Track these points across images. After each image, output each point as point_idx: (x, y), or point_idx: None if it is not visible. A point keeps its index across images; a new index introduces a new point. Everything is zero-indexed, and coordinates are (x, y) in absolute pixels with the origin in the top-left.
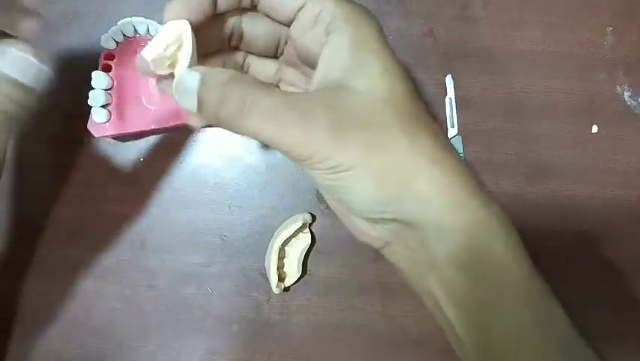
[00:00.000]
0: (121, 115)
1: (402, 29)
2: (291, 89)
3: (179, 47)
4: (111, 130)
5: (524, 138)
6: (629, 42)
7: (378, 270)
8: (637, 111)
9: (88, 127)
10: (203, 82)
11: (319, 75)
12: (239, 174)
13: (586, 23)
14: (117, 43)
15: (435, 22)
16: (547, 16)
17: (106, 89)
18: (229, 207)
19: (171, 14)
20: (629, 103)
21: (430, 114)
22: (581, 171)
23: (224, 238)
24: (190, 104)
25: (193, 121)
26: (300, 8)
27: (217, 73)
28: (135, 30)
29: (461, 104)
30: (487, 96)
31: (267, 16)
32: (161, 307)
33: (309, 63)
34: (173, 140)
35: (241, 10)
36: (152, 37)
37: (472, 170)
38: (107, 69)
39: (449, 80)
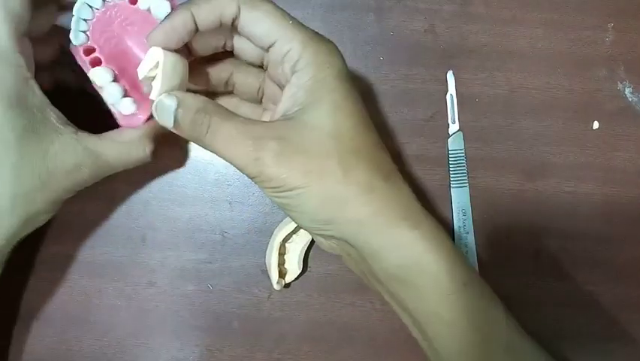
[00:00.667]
0: (141, 95)
1: (402, 26)
2: (271, 105)
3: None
4: (147, 112)
5: (525, 134)
6: (630, 39)
7: None
8: (638, 108)
9: (121, 124)
10: (179, 105)
11: (282, 108)
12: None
13: (587, 20)
14: (85, 32)
15: (436, 18)
16: (548, 12)
17: (114, 80)
18: (230, 204)
19: (152, 42)
20: (630, 99)
21: (382, 145)
22: (581, 168)
23: (225, 234)
24: (167, 122)
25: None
26: (272, 44)
27: (191, 100)
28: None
29: (462, 100)
30: (488, 93)
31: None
32: (162, 304)
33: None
34: (174, 136)
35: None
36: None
37: (472, 166)
38: (96, 63)
39: (450, 77)
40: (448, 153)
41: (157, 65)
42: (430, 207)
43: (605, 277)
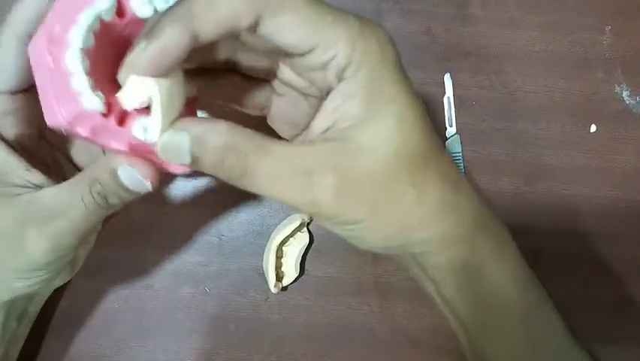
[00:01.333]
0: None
1: (400, 28)
2: (278, 120)
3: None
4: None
5: (522, 137)
6: (627, 41)
7: (375, 270)
8: (635, 110)
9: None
10: (197, 143)
11: (324, 123)
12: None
13: (584, 22)
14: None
15: (433, 20)
16: (546, 15)
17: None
18: (227, 206)
19: (137, 71)
20: (627, 102)
21: (442, 145)
22: (579, 171)
23: (222, 237)
24: (181, 161)
25: (180, 169)
26: (309, 51)
27: (212, 136)
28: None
29: (459, 103)
30: (486, 95)
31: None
32: (159, 307)
33: (307, 95)
34: None
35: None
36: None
37: (470, 169)
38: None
39: (448, 79)
40: None
41: (147, 100)
42: None
43: (603, 278)
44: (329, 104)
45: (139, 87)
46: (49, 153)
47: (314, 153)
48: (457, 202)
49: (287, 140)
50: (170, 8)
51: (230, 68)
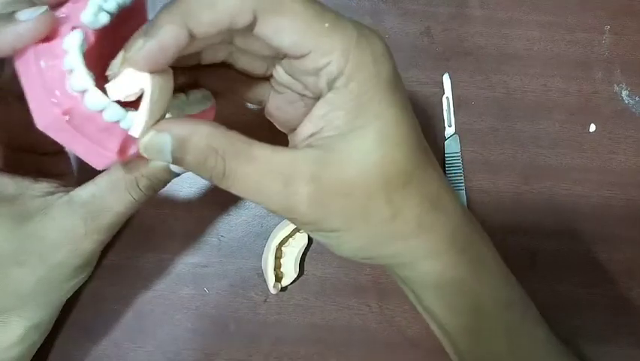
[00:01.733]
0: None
1: (398, 28)
2: (274, 116)
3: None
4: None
5: (521, 137)
6: (626, 41)
7: (374, 270)
8: (634, 110)
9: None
10: (178, 145)
11: (311, 128)
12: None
13: (583, 22)
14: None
15: (432, 21)
16: (545, 15)
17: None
18: (226, 207)
19: (133, 65)
20: (626, 102)
21: (430, 157)
22: (578, 170)
23: (221, 238)
24: (162, 160)
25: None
26: (303, 56)
27: (193, 136)
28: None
29: (458, 103)
30: (484, 95)
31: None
32: (158, 308)
33: (300, 94)
34: None
35: (230, 42)
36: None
37: (469, 169)
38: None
39: (446, 79)
40: (445, 156)
41: (138, 92)
42: None
43: (602, 279)
44: (317, 110)
45: (132, 80)
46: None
47: (294, 160)
48: (434, 221)
49: (269, 144)
50: (169, 5)
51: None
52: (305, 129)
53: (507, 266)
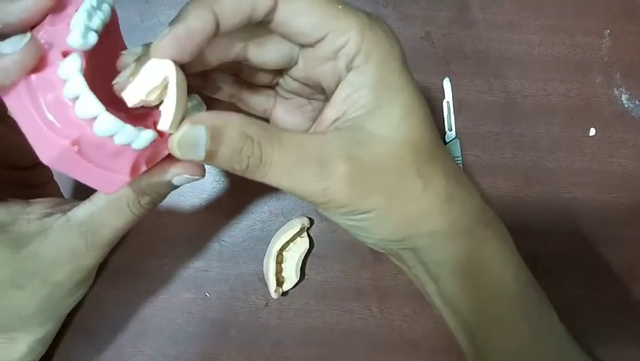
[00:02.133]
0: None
1: (399, 32)
2: (281, 123)
3: (164, 89)
4: (129, 166)
5: (522, 140)
6: (626, 45)
7: (375, 274)
8: (634, 114)
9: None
10: (214, 135)
11: (334, 113)
12: (237, 178)
13: (583, 26)
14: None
15: (432, 25)
16: (545, 19)
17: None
18: (227, 212)
19: (158, 53)
20: (626, 105)
21: (441, 142)
22: (578, 174)
23: (222, 242)
24: (196, 156)
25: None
26: (321, 39)
27: (228, 126)
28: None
29: (459, 107)
30: (485, 99)
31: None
32: (160, 312)
33: (316, 91)
34: None
35: (247, 36)
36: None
37: (470, 172)
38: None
39: (447, 83)
40: None
41: (163, 85)
42: None
43: (602, 281)
44: (339, 94)
45: (153, 73)
46: None
47: (326, 141)
48: (462, 195)
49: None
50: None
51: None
52: (328, 116)
53: None
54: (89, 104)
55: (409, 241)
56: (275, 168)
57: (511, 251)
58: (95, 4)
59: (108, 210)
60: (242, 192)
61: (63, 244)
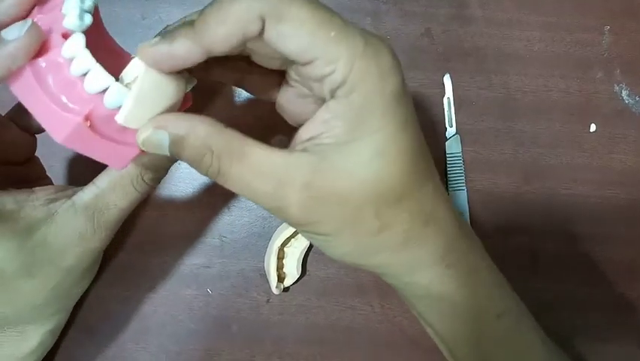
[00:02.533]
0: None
1: (399, 29)
2: (285, 110)
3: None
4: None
5: (522, 137)
6: (626, 41)
7: None
8: (635, 110)
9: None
10: (175, 142)
11: (312, 131)
12: None
13: (583, 22)
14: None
15: (432, 21)
16: (545, 15)
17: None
18: (228, 208)
19: (139, 55)
20: (627, 101)
21: (429, 173)
22: (578, 170)
23: (224, 239)
24: (161, 153)
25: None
26: (309, 62)
27: (190, 134)
28: None
29: (459, 103)
30: (485, 96)
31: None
32: (161, 309)
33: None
34: None
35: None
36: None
37: (470, 169)
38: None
39: (447, 80)
40: (446, 157)
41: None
42: None
43: (602, 278)
44: (319, 115)
45: (133, 68)
46: None
47: (289, 163)
48: (423, 236)
49: (266, 144)
50: (189, 20)
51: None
52: (306, 131)
53: (503, 271)
54: (100, 77)
55: (364, 266)
56: (232, 181)
57: (482, 285)
58: None
59: (113, 190)
60: None
61: (71, 228)
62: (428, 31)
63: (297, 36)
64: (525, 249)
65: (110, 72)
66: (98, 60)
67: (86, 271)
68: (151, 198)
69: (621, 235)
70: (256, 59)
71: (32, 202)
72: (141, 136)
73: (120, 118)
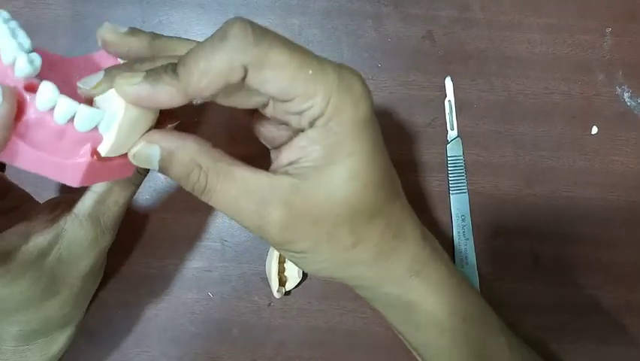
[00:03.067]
0: None
1: (400, 32)
2: (261, 136)
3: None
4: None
5: (523, 139)
6: (627, 43)
7: None
8: (636, 112)
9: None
10: (165, 157)
11: (291, 156)
12: None
13: (584, 25)
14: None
15: (433, 24)
16: (546, 18)
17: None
18: None
19: (118, 91)
20: (628, 104)
21: (396, 191)
22: (580, 173)
23: (225, 242)
24: (150, 167)
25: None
26: (289, 101)
27: (180, 151)
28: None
29: (460, 106)
30: (486, 98)
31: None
32: (163, 313)
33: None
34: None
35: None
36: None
37: (471, 172)
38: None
39: (448, 83)
40: (447, 160)
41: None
42: (430, 213)
43: (604, 281)
44: (298, 141)
45: (111, 101)
46: None
47: (271, 183)
48: (393, 249)
49: (250, 166)
50: (172, 65)
51: None
52: (285, 156)
53: (504, 273)
54: (90, 113)
55: (339, 279)
56: (217, 197)
57: (447, 290)
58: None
59: (111, 191)
60: None
61: (81, 238)
62: (429, 33)
63: (278, 80)
64: (526, 251)
65: (63, 86)
66: (57, 85)
67: (100, 269)
68: (151, 202)
69: (622, 237)
70: (229, 102)
71: (35, 229)
72: (132, 150)
73: (104, 150)
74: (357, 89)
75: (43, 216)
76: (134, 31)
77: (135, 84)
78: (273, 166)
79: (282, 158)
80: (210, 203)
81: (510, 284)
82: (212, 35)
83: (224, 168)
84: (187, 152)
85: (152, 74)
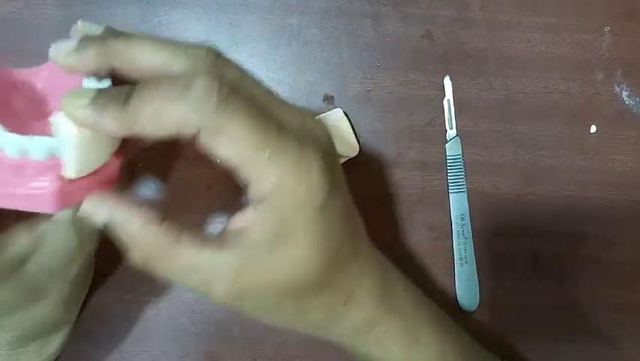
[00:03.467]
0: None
1: (399, 31)
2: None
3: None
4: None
5: (523, 139)
6: (626, 42)
7: None
8: (635, 111)
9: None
10: (107, 228)
11: (242, 222)
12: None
13: (583, 24)
14: None
15: (432, 24)
16: (545, 17)
17: None
18: (228, 211)
19: (69, 116)
20: (627, 103)
21: (353, 253)
22: (579, 172)
23: None
24: (92, 225)
25: None
26: (237, 172)
27: (127, 224)
28: None
29: (459, 105)
30: (485, 98)
31: None
32: (163, 312)
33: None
34: (171, 147)
35: None
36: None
37: (471, 171)
38: None
39: (447, 82)
40: (446, 159)
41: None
42: (429, 212)
43: (603, 280)
44: (247, 212)
45: (65, 124)
46: None
47: (216, 262)
48: (343, 315)
49: (199, 239)
50: (127, 92)
51: None
52: (238, 220)
53: (505, 273)
54: (43, 144)
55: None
56: (160, 272)
57: (405, 346)
58: None
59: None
60: (243, 191)
61: (64, 244)
62: (428, 33)
63: (230, 152)
64: (526, 251)
65: (5, 105)
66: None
67: (89, 268)
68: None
69: (622, 236)
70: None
71: (12, 239)
72: (82, 207)
73: (69, 173)
74: (315, 176)
75: (21, 223)
76: (83, 43)
77: (82, 108)
78: (224, 229)
79: (236, 221)
80: (155, 273)
81: (509, 283)
82: (177, 78)
83: (166, 251)
84: (130, 230)
85: (101, 99)
